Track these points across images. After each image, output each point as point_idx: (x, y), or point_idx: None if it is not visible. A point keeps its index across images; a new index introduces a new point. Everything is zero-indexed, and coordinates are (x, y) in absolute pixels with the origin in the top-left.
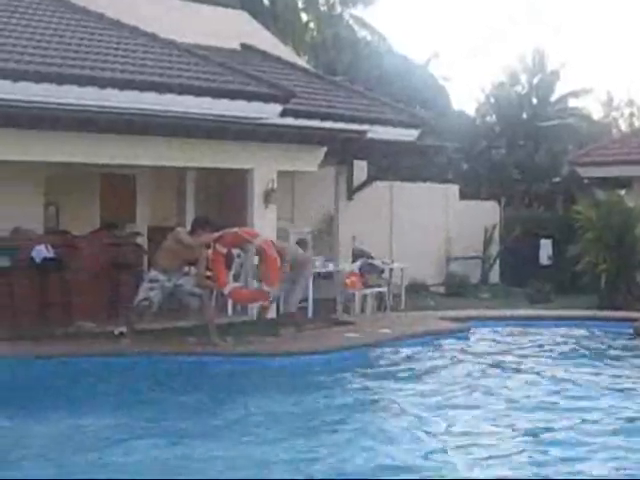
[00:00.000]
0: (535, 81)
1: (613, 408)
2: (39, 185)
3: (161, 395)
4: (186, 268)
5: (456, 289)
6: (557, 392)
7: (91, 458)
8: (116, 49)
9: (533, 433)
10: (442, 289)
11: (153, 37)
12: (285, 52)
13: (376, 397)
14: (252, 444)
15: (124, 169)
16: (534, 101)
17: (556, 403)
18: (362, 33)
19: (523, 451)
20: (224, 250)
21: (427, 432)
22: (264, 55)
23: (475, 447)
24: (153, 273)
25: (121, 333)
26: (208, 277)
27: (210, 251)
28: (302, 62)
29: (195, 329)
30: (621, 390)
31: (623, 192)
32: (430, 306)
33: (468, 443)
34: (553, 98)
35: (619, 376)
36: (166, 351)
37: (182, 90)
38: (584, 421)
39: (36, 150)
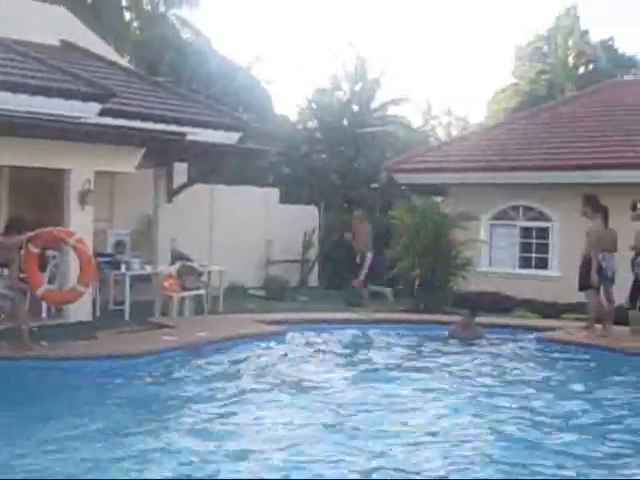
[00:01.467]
0: (356, 88)
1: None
2: None
3: None
4: None
5: (275, 292)
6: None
7: None
8: None
9: None
10: (262, 292)
11: None
12: (107, 51)
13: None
14: None
15: None
16: (355, 108)
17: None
18: (186, 34)
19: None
20: (37, 250)
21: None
22: (85, 53)
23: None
24: None
25: None
26: (21, 279)
27: (23, 251)
28: (124, 62)
29: (8, 333)
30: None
31: (439, 199)
32: (249, 309)
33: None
34: (374, 105)
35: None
36: None
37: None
38: None
39: None
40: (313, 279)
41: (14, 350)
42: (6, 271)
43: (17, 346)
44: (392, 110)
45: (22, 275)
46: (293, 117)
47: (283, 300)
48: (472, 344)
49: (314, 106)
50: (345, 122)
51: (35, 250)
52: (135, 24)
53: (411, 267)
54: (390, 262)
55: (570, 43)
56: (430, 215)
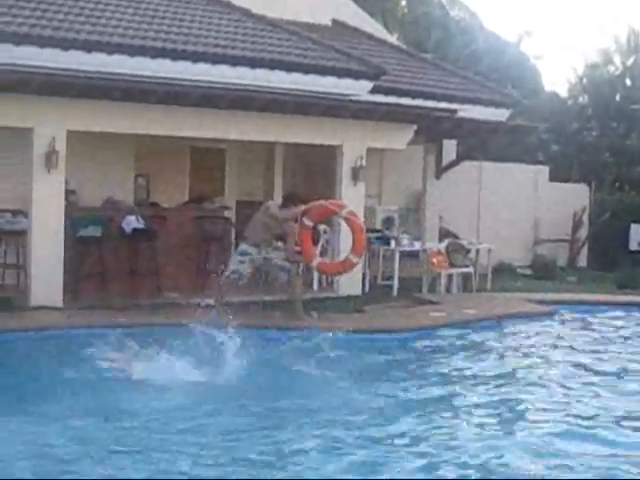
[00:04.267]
0: (629, 62)
1: None
2: (130, 157)
3: None
4: (276, 242)
5: (543, 272)
6: None
7: None
8: (209, 24)
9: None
10: (529, 271)
11: (245, 12)
12: (376, 29)
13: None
14: None
15: (214, 143)
16: (628, 83)
17: None
18: (453, 10)
19: None
20: (311, 224)
21: None
22: (355, 31)
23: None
24: (243, 246)
25: (207, 305)
26: (297, 251)
27: (297, 225)
28: (393, 39)
29: (282, 303)
30: None
31: None
32: (517, 288)
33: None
34: None
35: None
36: (252, 324)
37: (273, 65)
38: None
39: (126, 122)
40: (582, 260)
41: (287, 320)
42: (281, 244)
43: (290, 316)
44: None
45: (297, 248)
46: (563, 93)
47: (551, 280)
48: None
49: (585, 81)
50: (618, 97)
51: (309, 223)
52: (403, 2)
53: None
54: None
55: None
56: None
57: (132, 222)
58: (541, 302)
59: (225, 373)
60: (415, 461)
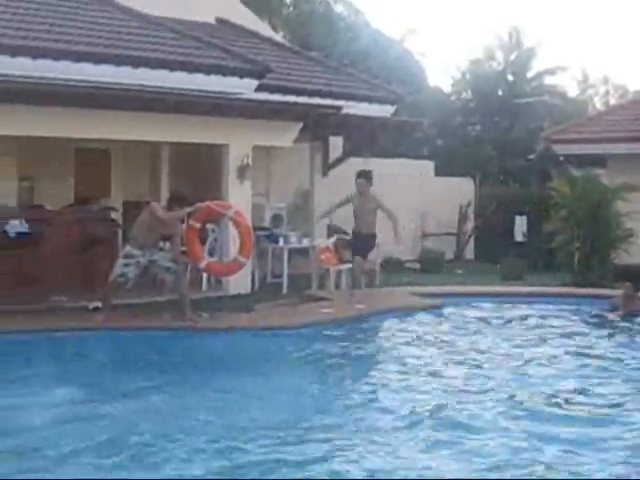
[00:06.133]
0: (511, 58)
1: None
2: (12, 160)
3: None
4: (161, 243)
5: (431, 266)
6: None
7: None
8: (92, 23)
9: None
10: (417, 265)
11: (129, 11)
12: (261, 27)
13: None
14: None
15: (99, 143)
16: (510, 78)
17: None
18: (338, 8)
19: None
20: (198, 225)
21: None
22: (240, 30)
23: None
24: (128, 248)
25: (96, 308)
26: (183, 252)
27: (184, 226)
28: (278, 37)
29: (170, 304)
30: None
31: (599, 171)
32: (405, 282)
33: None
34: (529, 75)
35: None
36: (140, 326)
37: (157, 64)
38: None
39: (7, 124)
40: (469, 252)
41: (175, 321)
42: (168, 245)
43: (178, 317)
44: (548, 80)
45: (183, 248)
46: (447, 89)
47: (439, 273)
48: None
49: (468, 77)
50: (500, 92)
51: (196, 224)
52: (289, 0)
53: (570, 240)
54: (548, 235)
55: None
56: (591, 187)
57: (16, 226)
58: (428, 295)
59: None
60: None
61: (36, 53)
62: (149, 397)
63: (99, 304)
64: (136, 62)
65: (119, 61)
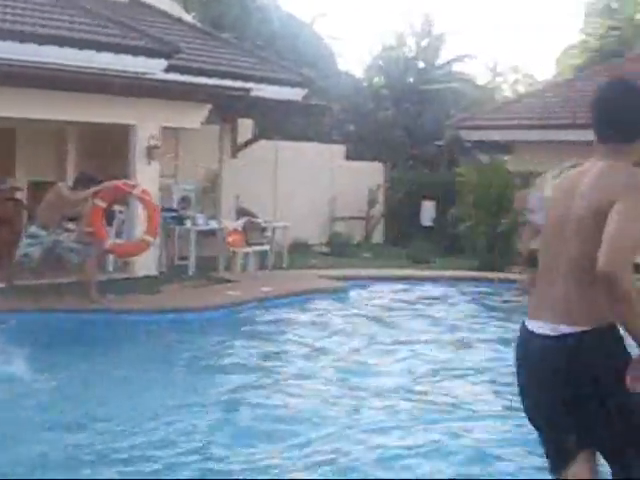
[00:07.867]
0: (422, 44)
1: None
2: None
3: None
4: (67, 224)
5: (339, 249)
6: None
7: None
8: None
9: None
10: (325, 248)
11: None
12: (172, 7)
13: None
14: None
15: (3, 122)
16: (420, 65)
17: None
18: None
19: None
20: (103, 204)
21: None
22: (150, 9)
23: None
24: (32, 229)
25: None
26: (89, 233)
27: (90, 206)
28: (189, 17)
29: (74, 285)
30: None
31: (506, 158)
32: (312, 265)
33: None
34: (439, 62)
35: None
36: (43, 308)
37: (64, 42)
38: None
39: None
40: (378, 236)
41: (80, 303)
42: (73, 226)
43: (83, 299)
44: (457, 67)
45: (89, 229)
46: (358, 74)
47: (347, 256)
48: None
49: (380, 63)
50: (411, 79)
51: (102, 204)
52: None
53: (476, 225)
54: (456, 220)
55: None
56: (497, 173)
57: None
58: (335, 278)
59: None
60: None
61: None
62: None
63: (2, 284)
64: (42, 39)
65: (24, 38)
